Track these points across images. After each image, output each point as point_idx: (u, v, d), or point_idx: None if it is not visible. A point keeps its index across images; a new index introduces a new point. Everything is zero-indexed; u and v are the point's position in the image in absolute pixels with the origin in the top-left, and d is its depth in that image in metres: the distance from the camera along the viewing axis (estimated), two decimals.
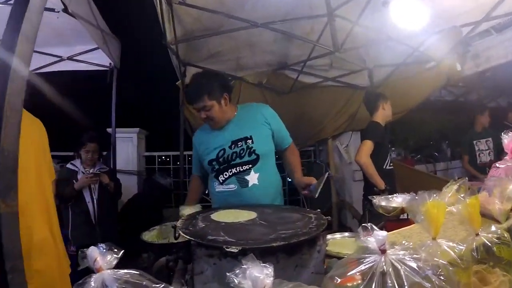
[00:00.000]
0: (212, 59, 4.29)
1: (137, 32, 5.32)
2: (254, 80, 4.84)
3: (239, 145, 2.44)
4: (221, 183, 2.47)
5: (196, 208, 2.43)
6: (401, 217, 2.08)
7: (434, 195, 1.26)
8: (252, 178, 2.42)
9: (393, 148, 7.13)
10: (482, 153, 5.69)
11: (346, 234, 2.34)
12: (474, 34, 4.23)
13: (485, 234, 1.25)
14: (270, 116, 2.56)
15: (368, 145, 3.53)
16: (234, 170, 2.43)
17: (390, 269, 0.95)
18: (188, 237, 1.39)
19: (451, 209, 1.28)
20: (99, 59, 4.65)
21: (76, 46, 4.53)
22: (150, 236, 2.19)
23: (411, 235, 1.55)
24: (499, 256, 1.22)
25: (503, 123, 5.69)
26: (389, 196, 2.16)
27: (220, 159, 2.46)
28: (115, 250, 1.01)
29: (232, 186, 2.43)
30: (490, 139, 5.69)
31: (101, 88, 4.93)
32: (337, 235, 2.32)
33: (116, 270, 0.97)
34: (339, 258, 1.89)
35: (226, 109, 2.48)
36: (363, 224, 1.10)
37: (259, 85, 4.85)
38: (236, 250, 1.21)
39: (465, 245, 1.19)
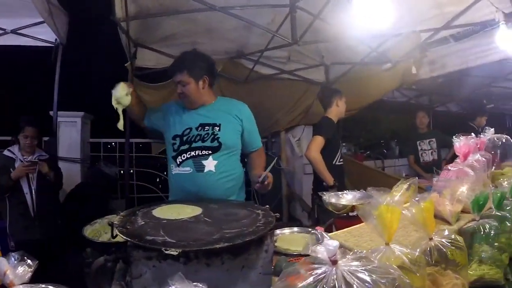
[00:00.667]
0: (166, 42, 4.08)
1: (87, 6, 4.94)
2: None
3: (205, 129, 2.43)
4: (178, 165, 2.42)
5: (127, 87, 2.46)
6: (351, 214, 2.03)
7: (388, 198, 1.23)
8: (209, 164, 2.38)
9: (344, 144, 7.24)
10: (425, 152, 6.01)
11: (295, 229, 2.30)
12: (433, 40, 4.33)
13: (439, 239, 1.24)
14: (245, 114, 2.57)
15: (319, 140, 3.55)
16: (193, 153, 2.40)
17: (342, 285, 0.87)
18: (124, 237, 1.27)
19: (404, 212, 1.22)
20: (46, 34, 4.27)
21: (23, 19, 4.10)
22: (92, 230, 1.98)
23: (362, 234, 1.53)
24: (452, 259, 1.21)
25: (468, 124, 5.97)
26: (339, 192, 2.14)
27: (184, 137, 2.43)
28: (29, 261, 0.86)
29: (188, 169, 2.39)
30: (433, 139, 6.00)
31: (45, 67, 4.55)
32: (286, 230, 2.27)
33: (31, 285, 0.83)
34: (288, 255, 1.84)
35: (204, 92, 2.50)
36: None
37: None
38: (176, 253, 1.12)
39: (418, 250, 1.16)
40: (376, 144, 8.44)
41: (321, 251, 0.91)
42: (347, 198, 2.10)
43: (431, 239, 1.25)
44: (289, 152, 6.25)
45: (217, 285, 1.17)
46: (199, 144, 2.40)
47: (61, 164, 4.53)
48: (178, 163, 2.42)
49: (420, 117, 6.08)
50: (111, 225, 1.41)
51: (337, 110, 3.81)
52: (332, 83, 5.26)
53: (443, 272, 1.18)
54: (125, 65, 4.15)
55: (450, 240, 1.24)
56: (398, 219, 1.12)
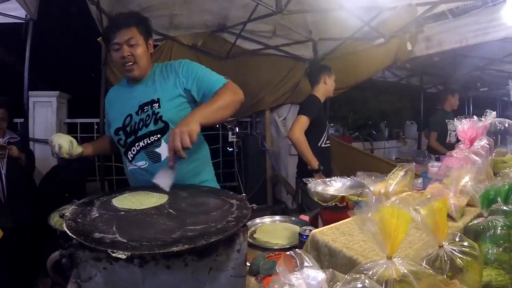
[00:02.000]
0: (143, 14, 3.79)
1: None
2: (189, 42, 4.46)
3: (145, 110, 1.98)
4: (131, 161, 2.04)
5: (67, 138, 1.92)
6: (340, 204, 1.81)
7: (382, 190, 1.01)
8: (164, 150, 1.94)
9: (331, 124, 7.14)
10: (453, 133, 5.56)
11: (277, 218, 2.15)
12: (430, 15, 4.11)
13: (451, 247, 1.02)
14: (185, 70, 2.01)
15: (303, 121, 3.31)
16: (141, 143, 1.99)
17: None
18: (70, 233, 1.09)
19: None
20: (16, 11, 3.98)
21: None
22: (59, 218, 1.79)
23: (353, 232, 1.32)
24: (461, 268, 1.00)
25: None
26: (326, 179, 1.90)
27: (127, 128, 2.02)
28: None
29: (143, 163, 1.99)
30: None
31: (17, 45, 4.29)
32: (267, 219, 2.12)
33: None
34: (268, 249, 1.66)
35: (149, 59, 2.04)
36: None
37: (193, 47, 4.50)
38: (124, 257, 0.95)
39: (425, 261, 0.98)
40: (364, 125, 8.34)
41: (299, 285, 0.70)
42: (336, 186, 1.85)
43: (441, 246, 1.03)
44: (274, 132, 6.12)
45: None
46: (144, 131, 1.98)
47: (37, 146, 4.46)
48: (130, 158, 2.03)
49: (452, 100, 5.65)
50: (62, 217, 1.23)
51: (324, 88, 3.58)
52: (321, 60, 5.11)
53: (449, 281, 0.98)
54: (98, 39, 3.95)
55: (463, 248, 1.03)
56: (406, 226, 0.89)
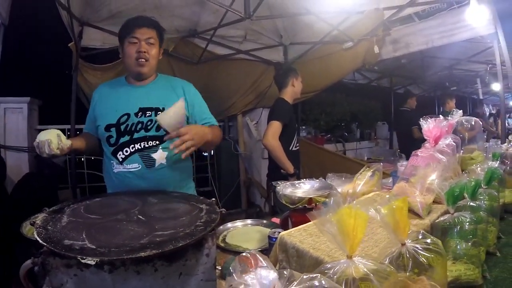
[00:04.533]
0: (113, 20, 3.85)
1: None
2: None
3: (147, 115, 2.04)
4: (121, 162, 2.03)
5: (54, 132, 1.83)
6: (308, 206, 1.85)
7: (350, 190, 1.03)
8: (160, 156, 2.03)
9: (303, 127, 7.19)
10: None
11: (249, 221, 2.16)
12: (396, 18, 4.18)
13: (413, 244, 1.04)
14: (191, 91, 2.21)
15: (276, 126, 3.31)
16: (137, 146, 2.02)
17: None
18: (40, 240, 1.10)
19: (370, 213, 1.02)
20: None
21: None
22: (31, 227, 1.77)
23: (319, 233, 1.31)
24: (428, 264, 1.02)
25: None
26: (295, 182, 1.93)
27: (121, 126, 2.02)
28: None
29: (136, 166, 2.01)
30: None
31: None
32: (238, 223, 2.13)
33: None
34: (239, 253, 1.68)
35: (156, 64, 2.14)
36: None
37: (165, 52, 4.38)
38: (93, 263, 0.96)
39: (388, 259, 0.99)
40: (336, 127, 8.40)
41: (252, 285, 0.72)
42: (304, 188, 1.87)
43: (403, 244, 1.05)
44: (246, 136, 6.11)
45: None
46: (142, 134, 2.02)
47: (8, 154, 4.39)
48: (121, 159, 2.03)
49: (451, 103, 6.27)
50: (32, 224, 1.24)
51: (292, 91, 3.58)
52: (291, 64, 5.11)
53: (416, 277, 0.99)
54: (69, 45, 3.90)
55: (426, 245, 1.05)
56: (364, 226, 0.92)
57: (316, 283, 0.76)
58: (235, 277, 0.74)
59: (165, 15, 3.83)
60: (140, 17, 2.13)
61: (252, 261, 0.78)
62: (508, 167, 2.18)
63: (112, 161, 2.06)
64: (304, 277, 0.77)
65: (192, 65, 4.73)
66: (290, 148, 3.48)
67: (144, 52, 2.02)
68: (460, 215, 1.34)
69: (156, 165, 2.02)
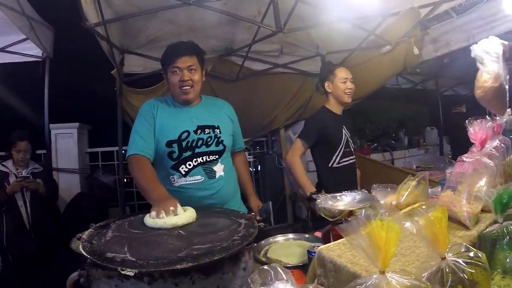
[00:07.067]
0: (152, 45, 4.00)
1: (72, 17, 4.89)
2: None
3: (206, 132, 2.22)
4: (184, 175, 2.17)
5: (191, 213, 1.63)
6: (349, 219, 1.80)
7: (383, 211, 0.98)
8: (219, 169, 2.24)
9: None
10: None
11: (290, 236, 2.14)
12: (433, 16, 4.01)
13: (454, 258, 0.97)
14: (233, 114, 2.46)
15: (297, 144, 3.07)
16: (200, 160, 2.19)
17: None
18: (85, 253, 1.16)
19: (407, 226, 0.99)
20: (33, 49, 4.24)
21: (10, 36, 4.09)
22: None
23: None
24: (471, 279, 0.94)
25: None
26: (336, 194, 1.89)
27: (183, 143, 2.17)
28: None
29: (199, 178, 2.18)
30: None
31: (36, 81, 4.50)
32: (280, 238, 2.11)
33: None
34: None
35: (201, 86, 2.27)
36: None
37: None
38: (132, 274, 1.00)
39: (426, 275, 0.93)
40: (383, 135, 8.06)
41: None
42: (345, 201, 1.82)
43: (443, 258, 0.97)
44: None
45: None
46: (204, 149, 2.20)
47: (60, 175, 4.69)
48: (184, 172, 2.16)
49: None
50: (79, 239, 1.32)
51: (332, 96, 3.21)
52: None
53: None
54: (111, 72, 4.08)
55: (468, 259, 0.96)
56: (396, 239, 0.87)
57: None
58: None
59: (200, 37, 3.89)
60: (180, 44, 2.24)
61: (272, 274, 0.77)
62: None
63: (172, 176, 2.19)
64: None
65: (231, 83, 4.78)
66: (330, 165, 3.07)
67: (188, 80, 2.14)
68: (509, 225, 1.24)
69: (217, 176, 2.22)
